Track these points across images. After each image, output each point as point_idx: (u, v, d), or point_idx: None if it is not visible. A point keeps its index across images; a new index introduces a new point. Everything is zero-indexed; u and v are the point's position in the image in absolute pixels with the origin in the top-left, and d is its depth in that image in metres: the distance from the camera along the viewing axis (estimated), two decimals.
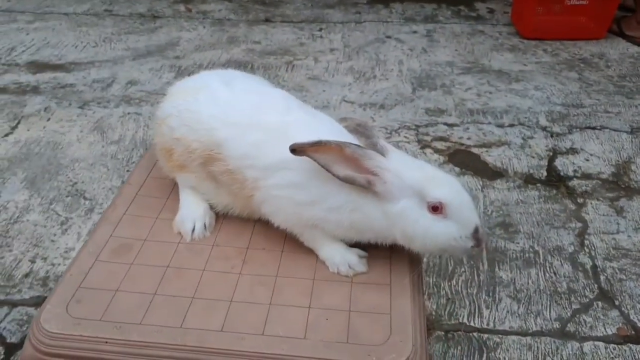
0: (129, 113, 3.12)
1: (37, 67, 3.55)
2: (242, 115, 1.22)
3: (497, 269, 2.28)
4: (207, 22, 4.24)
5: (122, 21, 4.19)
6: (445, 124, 3.16)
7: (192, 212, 1.29)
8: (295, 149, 1.08)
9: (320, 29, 4.20)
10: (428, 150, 2.94)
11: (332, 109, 3.26)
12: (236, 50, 3.82)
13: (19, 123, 3.02)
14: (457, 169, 2.81)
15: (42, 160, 2.74)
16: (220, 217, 1.33)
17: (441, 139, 3.03)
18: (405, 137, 3.04)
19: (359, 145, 1.13)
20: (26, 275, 2.14)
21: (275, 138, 1.17)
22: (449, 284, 2.22)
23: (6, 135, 2.93)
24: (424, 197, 1.12)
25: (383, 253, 1.24)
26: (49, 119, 3.05)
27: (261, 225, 1.29)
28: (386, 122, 3.15)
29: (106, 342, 1.04)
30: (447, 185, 1.14)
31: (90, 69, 3.53)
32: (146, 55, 3.72)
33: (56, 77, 3.42)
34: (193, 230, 1.26)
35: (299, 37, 4.07)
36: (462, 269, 2.28)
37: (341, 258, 1.20)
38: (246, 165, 1.19)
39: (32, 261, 2.20)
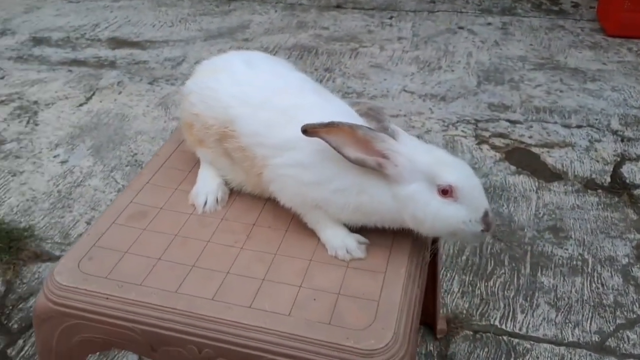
0: None
1: (116, 43, 3.76)
2: (257, 95, 1.25)
3: (539, 274, 2.20)
4: (280, 6, 4.31)
5: (199, 2, 4.35)
6: (508, 120, 3.06)
7: (206, 186, 1.34)
8: (307, 130, 1.11)
9: (391, 17, 4.16)
10: (485, 147, 2.86)
11: (390, 98, 3.23)
12: (303, 35, 3.87)
13: (93, 94, 3.23)
14: (512, 168, 2.72)
15: (109, 131, 2.93)
16: (234, 193, 1.38)
17: (500, 135, 2.94)
18: (463, 131, 2.97)
19: (370, 128, 1.14)
20: (80, 235, 2.31)
21: (286, 119, 1.19)
22: (486, 284, 2.17)
23: (81, 105, 3.14)
24: (434, 181, 1.13)
25: (384, 241, 1.24)
26: (120, 92, 3.24)
27: (271, 204, 1.33)
28: (444, 115, 3.08)
29: (107, 298, 1.11)
30: (457, 169, 1.15)
31: (164, 48, 3.70)
32: (217, 36, 3.84)
33: (132, 53, 3.62)
34: (205, 203, 1.32)
35: (368, 24, 4.05)
36: (502, 270, 2.21)
37: (341, 242, 1.21)
38: (256, 142, 1.23)
39: (88, 223, 2.37)
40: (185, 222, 1.30)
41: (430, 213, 1.13)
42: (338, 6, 4.32)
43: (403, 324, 1.08)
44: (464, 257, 2.29)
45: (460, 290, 2.14)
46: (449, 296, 2.13)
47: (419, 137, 2.90)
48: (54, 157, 2.76)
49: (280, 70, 1.36)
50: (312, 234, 1.27)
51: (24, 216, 2.41)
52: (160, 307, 1.09)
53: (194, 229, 1.28)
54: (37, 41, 3.80)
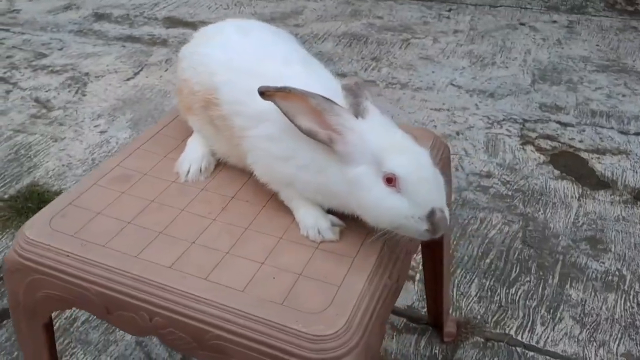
0: None
1: (171, 22, 3.83)
2: (243, 63, 1.21)
3: (568, 286, 2.04)
4: None
5: None
6: (559, 122, 2.86)
7: (191, 154, 1.32)
8: (264, 92, 1.05)
9: (450, 10, 4.00)
10: (529, 148, 2.69)
11: (435, 91, 3.11)
12: (356, 23, 3.79)
13: (141, 70, 3.30)
14: (556, 172, 2.54)
15: (149, 105, 2.98)
16: (220, 164, 1.34)
17: (548, 137, 2.76)
18: (507, 130, 2.81)
19: (327, 99, 1.06)
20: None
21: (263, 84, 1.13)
22: (507, 291, 2.04)
23: (128, 79, 3.22)
24: (380, 166, 1.03)
25: (363, 227, 1.16)
26: (166, 70, 3.29)
27: (255, 177, 1.28)
28: (490, 112, 2.93)
29: (67, 256, 1.10)
30: (408, 157, 1.03)
31: None
32: (269, 21, 3.81)
33: (184, 33, 3.67)
34: (188, 171, 1.29)
35: (425, 15, 3.92)
36: (527, 278, 2.07)
37: (313, 222, 1.15)
38: (236, 111, 1.18)
39: None
40: (166, 189, 1.28)
41: (371, 201, 1.04)
42: None
43: (361, 313, 1.00)
44: (487, 260, 2.16)
45: (478, 294, 2.02)
46: (464, 299, 2.01)
47: (458, 133, 2.81)
48: (95, 126, 2.84)
49: (272, 39, 1.30)
50: (289, 212, 1.21)
51: (57, 180, 2.49)
52: (115, 269, 1.07)
53: (172, 197, 1.25)
54: (98, 17, 3.94)
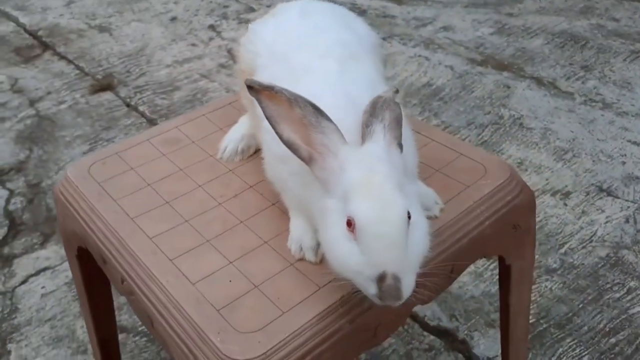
0: (419, 55, 3.09)
1: None
2: (281, 48, 1.12)
3: None
4: None
5: None
6: None
7: (233, 134, 1.29)
8: (251, 87, 0.95)
9: None
10: None
11: None
12: (582, 22, 3.29)
13: None
14: None
15: None
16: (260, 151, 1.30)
17: None
18: None
19: (318, 111, 0.91)
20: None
21: (290, 78, 1.03)
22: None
23: None
24: (346, 205, 0.87)
25: None
26: None
27: None
28: None
29: (84, 200, 1.19)
30: (371, 203, 0.85)
31: (419, 6, 3.58)
32: (480, 5, 3.53)
33: (385, 6, 3.60)
34: (225, 150, 1.27)
35: None
36: None
37: (299, 237, 1.04)
38: None
39: None
40: (200, 161, 1.28)
41: (328, 240, 0.89)
42: None
43: (289, 349, 0.89)
44: (612, 340, 1.77)
45: None
46: None
47: None
48: None
49: (329, 25, 1.17)
50: None
51: None
52: (110, 226, 1.12)
53: (199, 171, 1.25)
54: None
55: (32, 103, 2.91)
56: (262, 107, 0.94)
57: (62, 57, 3.27)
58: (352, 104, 0.98)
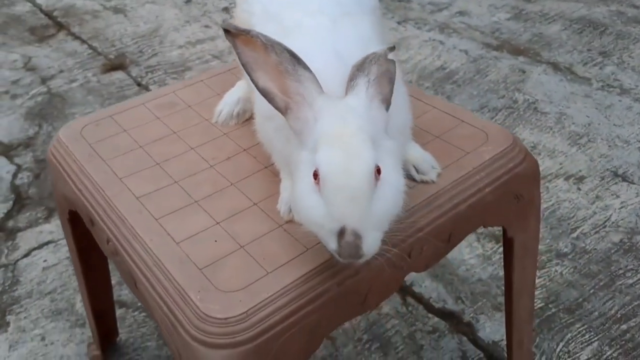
0: (433, 40, 3.03)
1: None
2: (277, 6, 1.08)
3: None
4: None
5: None
6: None
7: (228, 97, 1.26)
8: (228, 30, 0.91)
9: None
10: None
11: None
12: (601, 8, 3.19)
13: None
14: None
15: None
16: None
17: None
18: None
19: (295, 58, 0.87)
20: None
21: (281, 35, 1.00)
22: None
23: None
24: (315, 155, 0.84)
25: None
26: None
27: None
28: None
29: (74, 162, 1.17)
30: (334, 152, 0.81)
31: None
32: None
33: None
34: (220, 113, 1.24)
35: None
36: None
37: (288, 197, 1.00)
38: None
39: None
40: (194, 125, 1.25)
41: (296, 192, 0.85)
42: None
43: (270, 309, 0.86)
44: (623, 327, 1.70)
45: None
46: None
47: None
48: None
49: None
50: None
51: None
52: (98, 186, 1.09)
53: (193, 134, 1.22)
54: None
55: (44, 81, 2.91)
56: (237, 53, 0.90)
57: (76, 37, 3.27)
58: (341, 60, 0.94)
